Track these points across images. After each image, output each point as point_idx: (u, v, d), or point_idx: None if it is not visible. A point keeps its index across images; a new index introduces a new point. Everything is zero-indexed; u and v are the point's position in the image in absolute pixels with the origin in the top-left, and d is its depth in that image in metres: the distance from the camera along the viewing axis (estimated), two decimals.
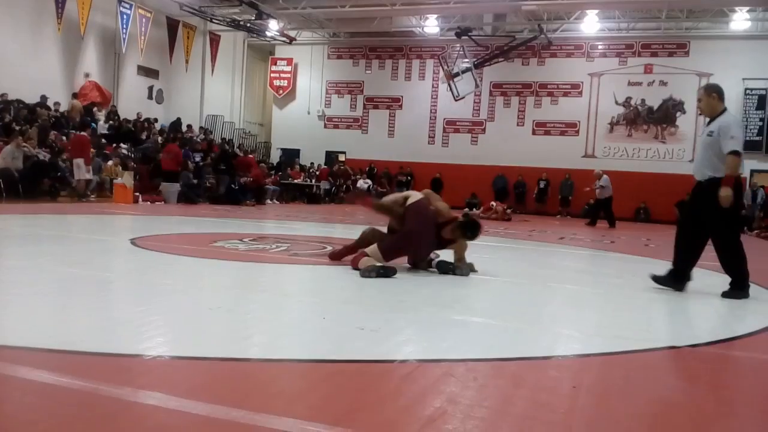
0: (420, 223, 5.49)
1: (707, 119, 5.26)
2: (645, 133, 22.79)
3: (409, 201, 5.60)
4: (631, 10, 21.52)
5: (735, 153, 4.83)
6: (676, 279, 5.21)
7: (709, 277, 6.57)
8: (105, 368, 2.45)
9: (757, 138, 21.32)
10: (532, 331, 3.61)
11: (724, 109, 5.11)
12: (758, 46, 21.10)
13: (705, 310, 4.70)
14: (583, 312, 4.45)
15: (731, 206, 4.86)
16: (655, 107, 22.65)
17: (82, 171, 13.40)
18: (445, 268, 5.52)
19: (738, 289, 5.02)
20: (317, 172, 23.71)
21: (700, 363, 3.14)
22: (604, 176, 16.60)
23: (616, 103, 23.08)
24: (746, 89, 21.31)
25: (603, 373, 2.82)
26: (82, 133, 14.61)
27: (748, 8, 20.04)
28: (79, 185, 13.60)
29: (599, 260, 8.22)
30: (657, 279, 5.26)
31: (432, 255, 5.68)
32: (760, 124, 21.28)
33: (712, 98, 5.09)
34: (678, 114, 22.40)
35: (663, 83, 22.54)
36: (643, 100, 22.78)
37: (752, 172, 21.43)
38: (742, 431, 2.16)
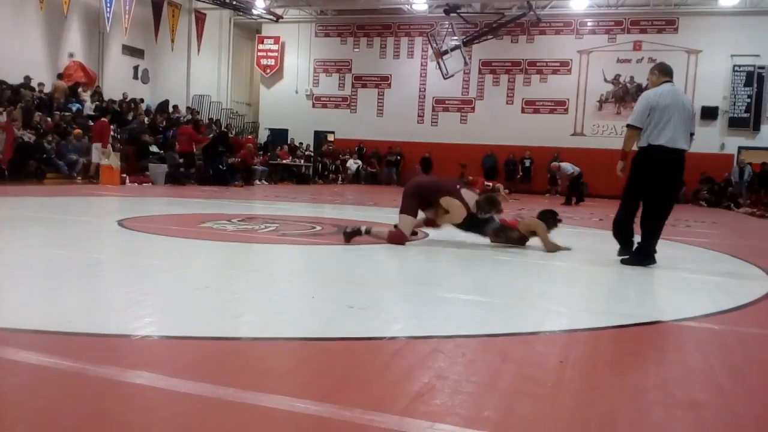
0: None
1: None
2: None
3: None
4: None
5: (628, 126, 5.27)
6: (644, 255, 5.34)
7: (695, 252, 6.64)
8: (92, 348, 2.44)
9: (745, 115, 21.40)
10: (521, 307, 3.63)
11: (664, 83, 5.32)
12: (747, 22, 21.08)
13: (691, 285, 4.74)
14: (572, 288, 4.48)
15: (632, 177, 5.27)
16: (644, 85, 22.59)
17: (98, 155, 14.14)
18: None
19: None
20: (306, 153, 23.60)
21: (685, 337, 3.17)
22: (562, 165, 16.70)
23: (605, 80, 23.05)
24: (734, 66, 21.32)
25: (590, 347, 2.84)
26: (103, 119, 15.31)
27: None
28: (93, 168, 14.23)
29: (587, 238, 8.25)
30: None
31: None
32: (748, 101, 21.33)
33: (654, 74, 5.41)
34: None
35: (652, 60, 22.41)
36: (632, 78, 22.75)
37: (740, 149, 21.58)
38: (727, 404, 2.19)
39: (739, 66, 21.32)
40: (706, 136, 21.79)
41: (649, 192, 5.21)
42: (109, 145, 14.34)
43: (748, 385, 2.43)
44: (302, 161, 22.67)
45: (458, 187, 6.05)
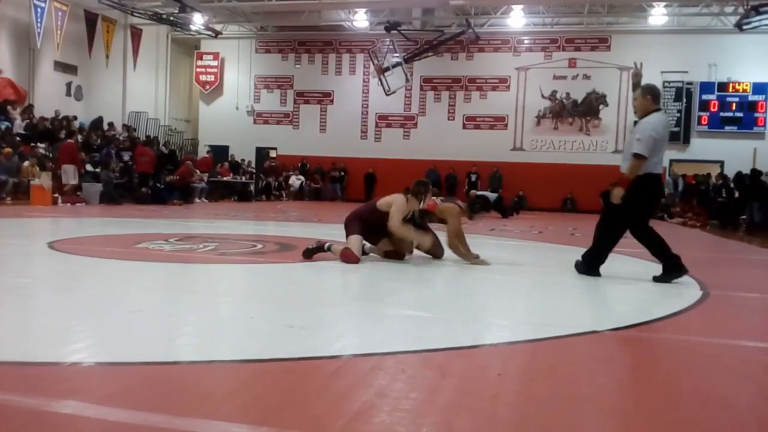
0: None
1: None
2: (570, 126, 23.49)
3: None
4: (555, 5, 22.11)
5: (636, 156, 5.00)
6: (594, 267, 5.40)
7: (632, 264, 6.84)
8: (17, 378, 2.33)
9: (675, 129, 22.29)
10: (462, 321, 3.65)
11: (655, 110, 5.22)
12: (675, 40, 22.06)
13: (627, 295, 4.88)
14: (512, 301, 4.54)
15: (630, 204, 5.09)
16: (579, 100, 23.38)
17: (69, 176, 14.46)
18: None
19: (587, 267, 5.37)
20: (249, 169, 23.31)
21: (619, 346, 3.25)
22: (477, 194, 17.28)
23: (543, 96, 23.69)
24: (664, 82, 22.22)
25: (528, 359, 2.88)
26: (70, 140, 15.79)
27: (665, 3, 20.94)
28: (68, 189, 14.37)
29: (528, 250, 8.41)
30: (657, 279, 5.29)
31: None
32: (678, 115, 22.27)
33: (646, 99, 5.22)
34: (601, 107, 23.18)
35: (586, 77, 23.28)
36: (567, 94, 23.46)
37: (671, 161, 22.46)
38: (658, 410, 2.25)
39: (669, 82, 22.27)
40: None
41: (634, 216, 5.22)
42: (36, 166, 13.88)
43: (678, 392, 2.50)
44: (245, 178, 22.37)
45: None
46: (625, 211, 5.15)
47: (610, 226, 5.32)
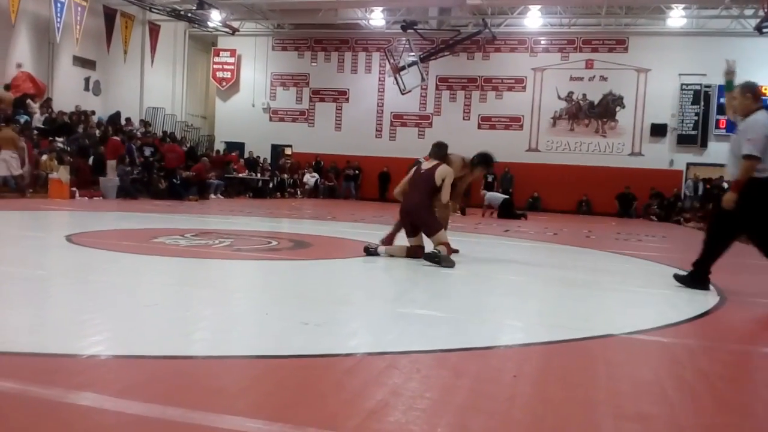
0: None
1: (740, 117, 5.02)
2: (586, 128, 23.35)
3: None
4: (572, 6, 21.97)
5: (748, 157, 4.68)
6: (699, 279, 5.04)
7: (648, 267, 6.80)
8: (36, 369, 2.35)
9: (693, 132, 22.12)
10: (476, 322, 3.64)
11: (757, 109, 4.87)
12: (693, 43, 21.85)
13: (642, 299, 4.84)
14: (526, 302, 4.53)
15: (745, 208, 4.72)
16: (596, 102, 23.23)
17: (112, 171, 15.10)
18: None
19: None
20: (267, 166, 23.39)
21: (635, 350, 3.23)
22: (487, 194, 17.66)
23: (559, 97, 23.56)
24: (682, 84, 22.06)
25: (543, 361, 2.86)
26: (115, 137, 16.53)
27: (683, 5, 20.71)
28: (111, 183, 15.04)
29: (542, 252, 8.38)
30: (679, 278, 5.13)
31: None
32: (696, 118, 22.06)
33: (746, 98, 4.92)
34: (618, 108, 23.02)
35: (603, 78, 23.12)
36: (584, 95, 23.32)
37: (688, 165, 22.29)
38: (674, 416, 2.23)
39: (687, 85, 22.07)
40: (656, 153, 22.50)
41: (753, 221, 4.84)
42: (54, 160, 14.00)
43: (695, 397, 2.48)
44: (263, 175, 22.43)
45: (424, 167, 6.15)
46: (744, 215, 4.77)
47: (724, 232, 4.95)
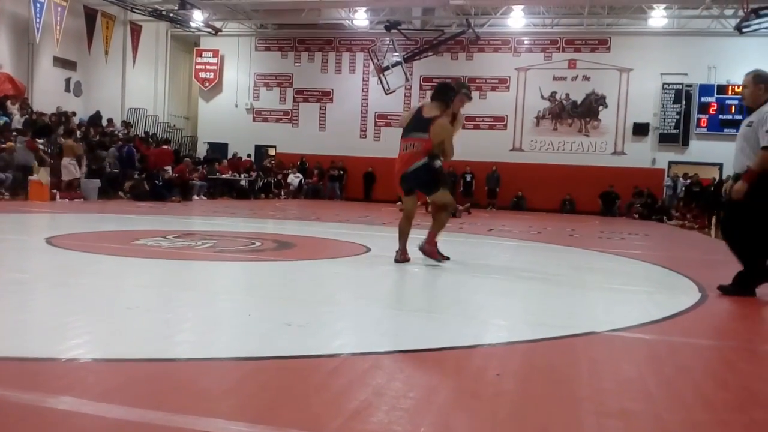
0: None
1: (747, 108, 4.93)
2: (569, 127, 23.50)
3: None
4: (555, 6, 22.10)
5: (766, 148, 4.56)
6: (743, 283, 4.81)
7: (629, 265, 6.85)
8: (13, 373, 2.32)
9: (675, 131, 22.33)
10: (459, 320, 3.64)
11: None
12: (675, 42, 22.07)
13: (625, 296, 4.87)
14: (510, 301, 4.54)
15: (755, 199, 4.63)
16: (579, 101, 23.38)
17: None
18: None
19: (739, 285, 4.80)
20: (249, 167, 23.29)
21: (617, 347, 3.25)
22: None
23: (542, 97, 23.68)
24: (664, 84, 22.26)
25: (526, 359, 2.87)
26: (165, 146, 18.51)
27: (665, 5, 20.90)
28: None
29: (526, 251, 8.41)
30: (724, 289, 4.87)
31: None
32: (677, 117, 22.27)
33: (759, 88, 4.76)
34: (600, 108, 23.18)
35: (586, 78, 23.28)
36: (567, 95, 23.46)
37: (670, 163, 22.50)
38: (656, 412, 2.24)
39: (668, 84, 22.29)
40: (639, 152, 22.69)
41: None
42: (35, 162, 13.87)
43: (676, 393, 2.49)
44: (249, 175, 22.32)
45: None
46: (759, 207, 4.67)
47: (748, 230, 4.79)
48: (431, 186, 5.68)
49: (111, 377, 2.36)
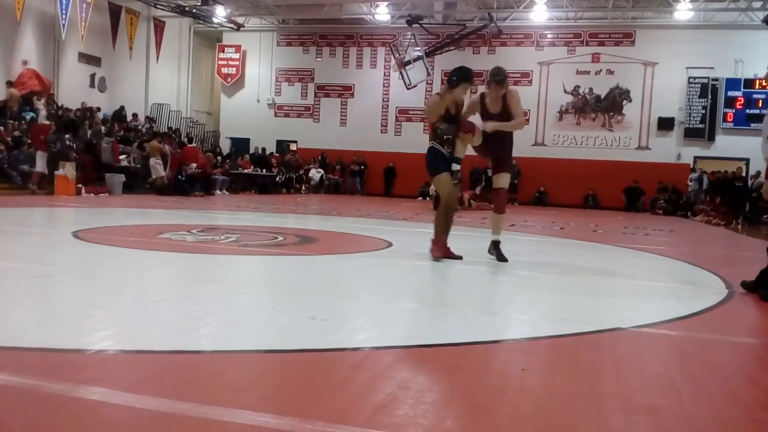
0: None
1: None
2: (593, 122, 23.25)
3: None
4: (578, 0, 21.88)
5: None
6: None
7: (654, 261, 6.76)
8: (45, 364, 2.36)
9: (700, 125, 21.99)
10: (483, 316, 3.63)
11: None
12: (701, 36, 21.70)
13: (650, 293, 4.82)
14: (533, 296, 4.51)
15: None
16: (603, 96, 23.11)
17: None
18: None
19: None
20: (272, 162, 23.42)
21: (643, 343, 3.21)
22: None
23: (565, 91, 23.45)
24: (689, 78, 21.91)
25: (551, 355, 2.85)
26: (191, 145, 18.37)
27: None
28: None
29: (548, 246, 8.35)
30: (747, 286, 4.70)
31: None
32: (703, 112, 21.92)
33: None
34: (624, 102, 22.90)
35: (610, 72, 23.01)
36: (590, 89, 23.20)
37: (695, 158, 22.18)
38: (684, 409, 2.22)
39: (694, 78, 21.93)
40: (663, 146, 22.39)
41: None
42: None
43: (705, 390, 2.46)
44: (274, 171, 22.45)
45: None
46: None
47: None
48: (429, 167, 5.85)
49: (139, 368, 2.39)
